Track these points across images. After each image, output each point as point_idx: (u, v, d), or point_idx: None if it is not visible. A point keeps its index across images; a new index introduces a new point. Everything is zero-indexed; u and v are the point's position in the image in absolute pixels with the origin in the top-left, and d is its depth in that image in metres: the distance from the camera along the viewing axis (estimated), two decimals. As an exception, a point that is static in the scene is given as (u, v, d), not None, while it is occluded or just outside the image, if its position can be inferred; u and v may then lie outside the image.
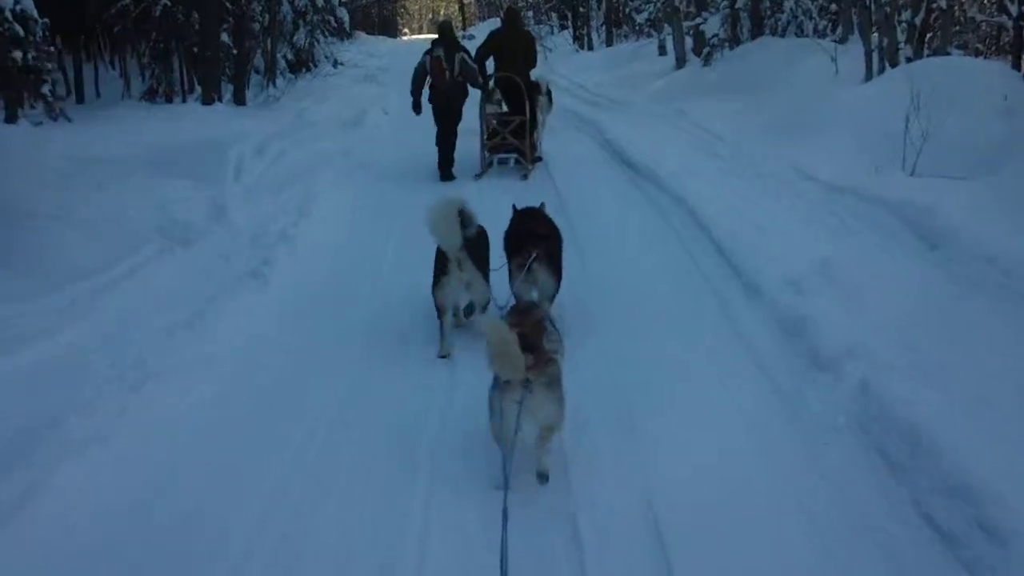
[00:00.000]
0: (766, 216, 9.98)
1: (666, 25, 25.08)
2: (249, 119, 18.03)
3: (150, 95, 20.68)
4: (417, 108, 14.16)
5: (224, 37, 21.29)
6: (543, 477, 5.14)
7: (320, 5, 30.85)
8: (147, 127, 15.75)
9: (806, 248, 8.64)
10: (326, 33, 32.35)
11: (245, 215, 10.71)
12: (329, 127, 18.17)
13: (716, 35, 21.34)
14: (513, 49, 14.46)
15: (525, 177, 14.00)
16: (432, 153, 14.04)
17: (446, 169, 13.98)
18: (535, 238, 7.45)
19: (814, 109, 14.56)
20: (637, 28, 35.82)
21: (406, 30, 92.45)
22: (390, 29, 77.14)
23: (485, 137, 14.40)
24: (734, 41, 21.80)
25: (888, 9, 16.09)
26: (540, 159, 14.83)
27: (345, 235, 10.87)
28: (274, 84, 25.11)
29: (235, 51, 21.96)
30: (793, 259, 8.29)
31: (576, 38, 40.38)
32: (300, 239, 9.89)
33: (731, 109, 16.92)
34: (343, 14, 36.11)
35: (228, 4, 21.44)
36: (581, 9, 39.42)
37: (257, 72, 25.69)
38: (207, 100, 19.45)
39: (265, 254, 9.20)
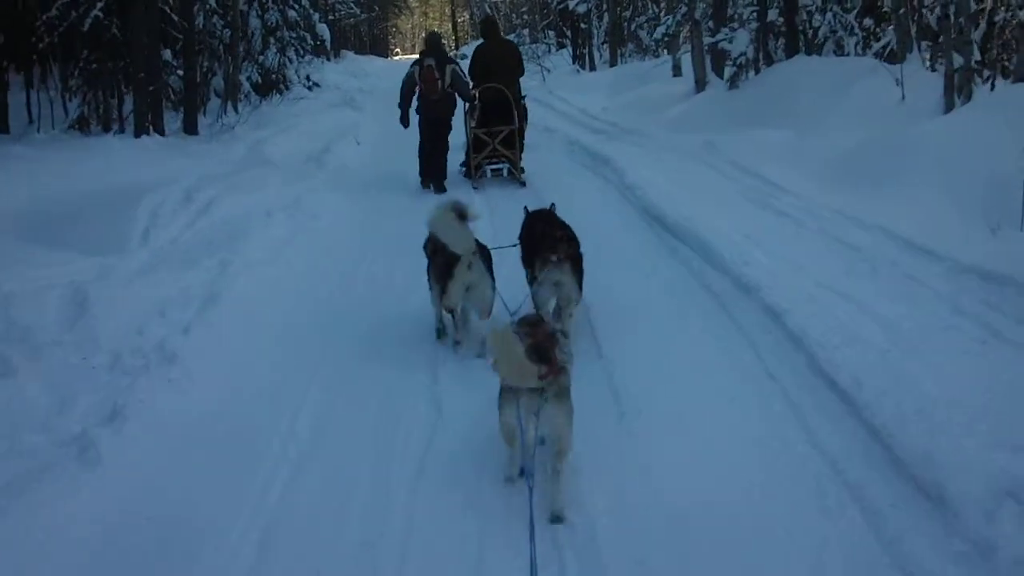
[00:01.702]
0: (885, 324, 6.73)
1: (682, 42, 21.93)
2: (187, 156, 14.98)
3: (81, 125, 17.49)
4: (405, 121, 14.14)
5: (168, 56, 18.16)
6: (557, 518, 4.90)
7: (294, 20, 27.80)
8: (47, 169, 12.55)
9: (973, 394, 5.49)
10: (301, 52, 29.17)
11: (119, 312, 7.31)
12: (285, 165, 15.08)
13: (743, 54, 18.18)
14: (497, 60, 14.49)
15: (523, 184, 14.20)
16: (408, 203, 12.49)
17: (438, 181, 13.96)
18: (555, 240, 7.32)
19: (886, 147, 11.67)
20: (645, 47, 32.85)
21: (397, 50, 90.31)
22: (381, 48, 74.21)
23: (472, 150, 14.41)
24: (765, 60, 18.65)
25: (962, 21, 13.08)
26: (523, 170, 14.60)
27: (264, 344, 7.57)
28: (235, 110, 21.99)
29: (181, 72, 18.81)
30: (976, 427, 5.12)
31: (577, 57, 37.26)
32: (186, 358, 6.61)
33: (775, 144, 13.91)
34: (324, 31, 33.07)
35: (173, 16, 18.32)
36: (583, 25, 36.21)
37: (218, 95, 22.59)
38: (139, 131, 16.24)
39: (117, 398, 5.89)
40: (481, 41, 15.53)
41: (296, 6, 28.14)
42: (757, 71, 18.55)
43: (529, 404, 4.82)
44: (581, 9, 34.06)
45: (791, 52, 18.15)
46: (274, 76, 26.16)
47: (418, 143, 14.13)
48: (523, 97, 15.38)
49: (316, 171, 15.10)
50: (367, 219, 12.17)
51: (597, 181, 14.14)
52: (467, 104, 14.35)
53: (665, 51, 29.69)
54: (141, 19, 16.23)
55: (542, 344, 4.94)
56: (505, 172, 14.75)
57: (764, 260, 8.53)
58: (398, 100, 14.02)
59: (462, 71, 14.05)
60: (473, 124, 14.42)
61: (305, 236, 10.94)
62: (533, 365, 4.74)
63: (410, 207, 11.54)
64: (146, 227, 10.24)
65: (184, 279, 8.39)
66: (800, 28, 18.51)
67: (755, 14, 18.98)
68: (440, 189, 13.74)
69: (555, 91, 28.51)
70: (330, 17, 53.19)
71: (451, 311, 7.33)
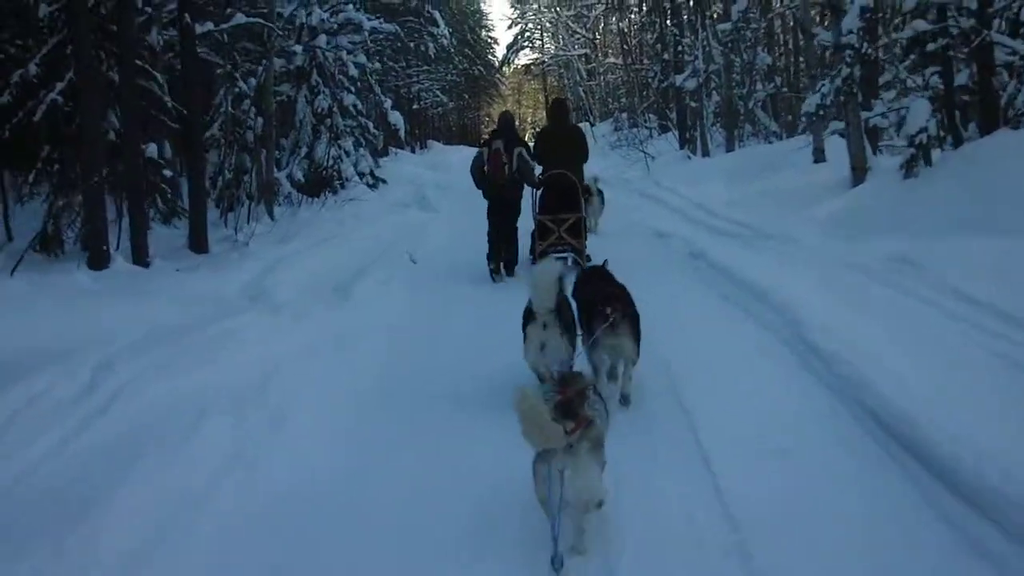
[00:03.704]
0: None
1: (826, 119, 17.18)
2: (146, 295, 10.61)
3: (45, 246, 13.27)
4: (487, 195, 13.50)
5: (153, 151, 13.96)
6: (579, 552, 4.91)
7: (352, 108, 23.63)
8: None
9: None
10: (361, 143, 24.96)
11: None
12: (289, 305, 10.64)
13: (923, 130, 13.33)
14: (562, 144, 13.89)
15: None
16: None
17: (509, 267, 13.54)
18: (610, 298, 7.28)
19: None
20: (764, 127, 28.16)
21: (486, 136, 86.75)
22: (472, 138, 70.66)
23: (537, 236, 13.88)
24: (953, 140, 13.84)
25: None
26: (589, 258, 13.31)
27: None
28: (270, 215, 17.75)
29: (176, 170, 14.65)
30: None
31: (686, 141, 32.57)
32: None
33: (997, 258, 9.31)
34: (397, 119, 28.97)
35: (164, 98, 14.14)
36: (692, 104, 31.50)
37: (250, 198, 18.41)
38: (95, 261, 11.90)
39: None
40: (546, 123, 15.17)
41: (352, 89, 23.93)
42: (928, 157, 13.69)
43: (557, 462, 4.72)
44: (690, 85, 29.43)
45: (988, 126, 13.35)
46: (325, 172, 21.89)
47: (487, 230, 13.44)
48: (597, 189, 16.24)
49: (329, 315, 10.62)
50: (379, 444, 6.91)
51: (747, 326, 9.44)
52: (533, 191, 13.93)
53: (801, 130, 25.10)
54: (94, 95, 11.91)
55: (569, 400, 4.96)
56: (570, 261, 13.67)
57: None
58: (474, 182, 13.45)
59: (529, 151, 13.41)
60: (537, 210, 13.93)
61: (246, 489, 5.98)
62: (558, 425, 4.66)
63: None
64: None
65: None
66: (998, 92, 13.71)
67: (936, 77, 14.17)
68: (511, 274, 13.41)
69: (662, 181, 24.01)
70: (414, 106, 49.86)
71: (536, 371, 7.36)
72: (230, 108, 18.40)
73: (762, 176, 19.41)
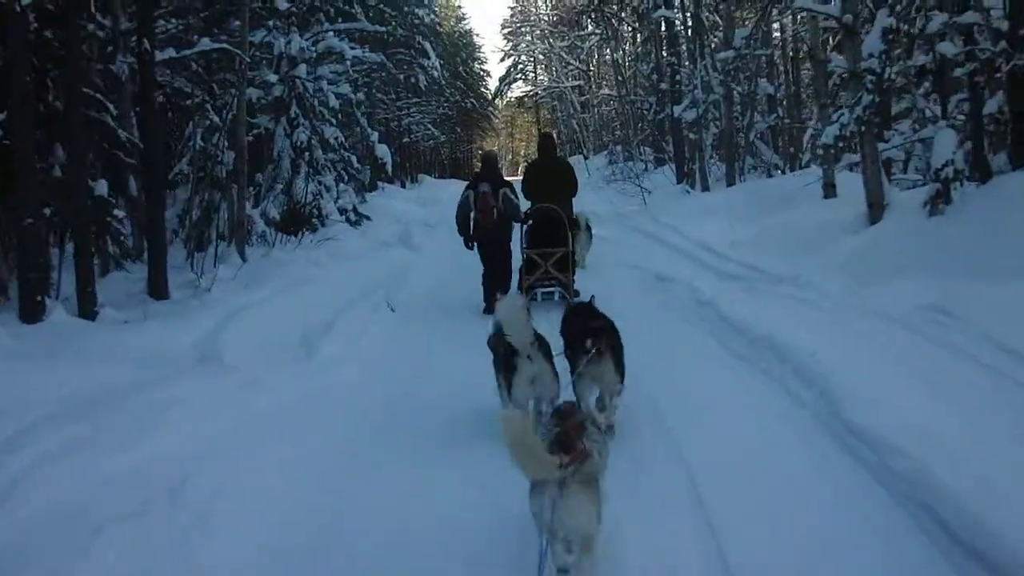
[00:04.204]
0: None
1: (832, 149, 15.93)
2: (77, 357, 9.19)
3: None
4: (469, 245, 13.50)
5: (103, 188, 12.69)
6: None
7: (333, 141, 22.43)
8: None
9: None
10: (345, 178, 23.69)
11: None
12: (241, 369, 9.35)
13: (950, 163, 12.09)
14: (550, 178, 13.98)
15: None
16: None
17: None
18: (594, 331, 7.31)
19: None
20: (763, 161, 26.96)
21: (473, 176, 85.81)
22: (464, 172, 69.55)
23: (524, 271, 13.73)
24: (981, 174, 12.60)
25: None
26: (578, 293, 13.21)
27: None
28: (241, 256, 16.49)
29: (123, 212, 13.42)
30: None
31: (685, 175, 31.30)
32: None
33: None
34: (384, 152, 27.80)
35: (118, 131, 12.92)
36: (691, 135, 30.19)
37: (222, 239, 17.16)
38: (27, 313, 10.57)
39: None
40: (534, 159, 15.32)
41: (333, 121, 22.70)
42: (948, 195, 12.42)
43: (553, 492, 4.56)
44: (689, 116, 28.20)
45: (1020, 158, 12.12)
46: (303, 209, 20.62)
47: (482, 273, 13.52)
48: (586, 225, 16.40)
49: (285, 381, 9.17)
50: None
51: (772, 398, 8.01)
52: (521, 225, 13.89)
53: (805, 164, 23.95)
54: (27, 126, 10.62)
55: (567, 433, 4.92)
56: (556, 296, 13.90)
57: None
58: (457, 228, 13.39)
59: (515, 192, 13.42)
60: (524, 245, 13.96)
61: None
62: (551, 456, 4.60)
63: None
64: None
65: None
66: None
67: (960, 105, 12.98)
68: None
69: (660, 217, 22.79)
70: (404, 139, 48.83)
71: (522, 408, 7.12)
72: (199, 141, 17.14)
73: (768, 213, 18.14)
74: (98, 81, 14.00)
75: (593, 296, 8.37)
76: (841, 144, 13.28)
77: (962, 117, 12.97)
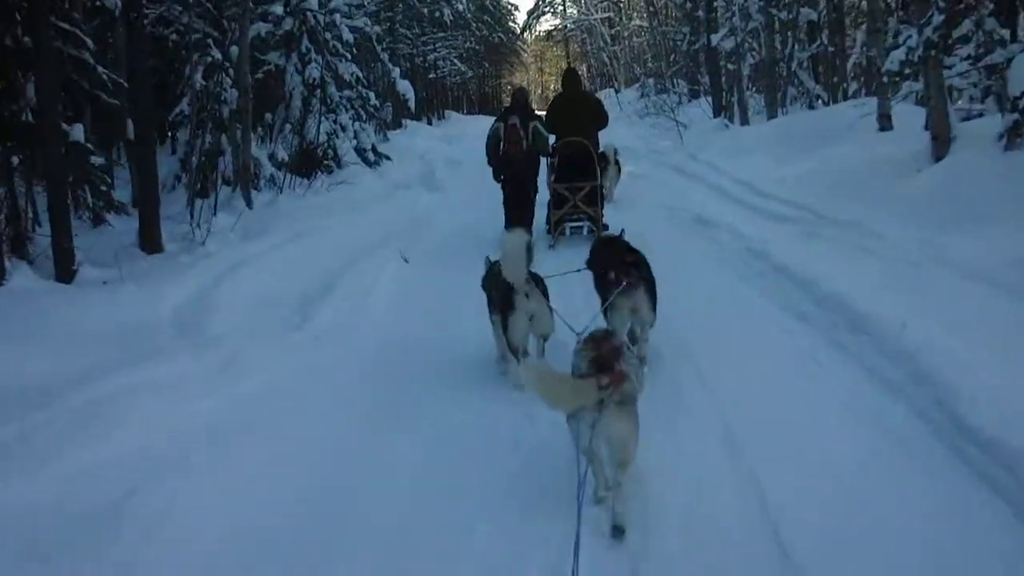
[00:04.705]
0: None
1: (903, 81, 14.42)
2: (40, 330, 7.95)
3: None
4: (498, 176, 13.45)
5: (79, 133, 11.39)
6: (619, 531, 4.66)
7: (351, 77, 21.07)
8: None
9: None
10: (363, 116, 22.31)
11: None
12: (222, 344, 8.04)
13: (1030, 90, 10.63)
14: (576, 112, 13.61)
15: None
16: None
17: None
18: (627, 264, 7.18)
19: None
20: (806, 92, 25.36)
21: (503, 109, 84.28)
22: (493, 108, 67.89)
23: (553, 206, 13.62)
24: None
25: None
26: (607, 227, 12.86)
27: None
28: (248, 202, 15.26)
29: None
30: None
31: (722, 108, 29.70)
32: None
33: None
34: (406, 88, 26.47)
35: (92, 63, 11.64)
36: (730, 66, 28.50)
37: (227, 183, 15.94)
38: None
39: None
40: (559, 92, 14.79)
41: (348, 56, 21.28)
42: None
43: (591, 417, 4.59)
44: (728, 45, 26.58)
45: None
46: (317, 150, 19.30)
47: (502, 199, 13.50)
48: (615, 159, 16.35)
49: (272, 360, 7.69)
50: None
51: (856, 381, 6.53)
52: (548, 159, 13.79)
53: (853, 93, 22.38)
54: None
55: (605, 355, 4.88)
56: (585, 231, 13.85)
57: None
58: (487, 158, 13.38)
59: (543, 125, 13.30)
60: (552, 179, 13.70)
61: None
62: (585, 382, 4.66)
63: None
64: None
65: None
66: None
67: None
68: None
69: (699, 154, 21.36)
70: (430, 76, 47.43)
71: (516, 349, 7.04)
72: (200, 80, 15.85)
73: (816, 148, 16.64)
74: (76, 15, 12.66)
75: (623, 229, 8.21)
76: (908, 70, 11.75)
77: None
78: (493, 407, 6.56)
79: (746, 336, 7.82)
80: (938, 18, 10.95)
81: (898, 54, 11.45)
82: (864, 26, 24.73)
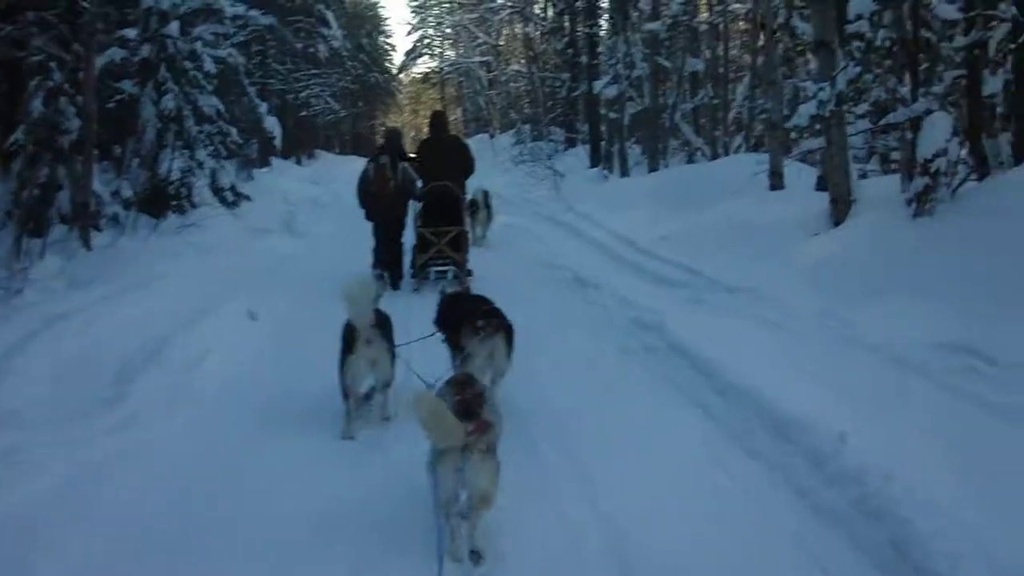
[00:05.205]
0: None
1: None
2: None
3: None
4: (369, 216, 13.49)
5: None
6: (476, 555, 4.89)
7: (213, 111, 19.70)
8: None
9: None
10: (223, 153, 20.84)
11: None
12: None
13: (941, 154, 9.79)
14: (443, 156, 13.69)
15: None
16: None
17: (394, 280, 12.90)
18: (486, 312, 7.22)
19: None
20: (687, 144, 24.70)
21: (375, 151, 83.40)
22: (365, 148, 66.71)
23: (418, 250, 13.45)
24: (977, 166, 10.41)
25: None
26: (471, 272, 13.24)
27: None
28: (86, 244, 13.78)
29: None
30: None
31: (603, 159, 28.78)
32: None
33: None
34: (273, 125, 25.17)
35: None
36: (612, 114, 27.60)
37: (65, 222, 14.45)
38: None
39: None
40: (426, 136, 14.91)
41: (209, 87, 19.85)
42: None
43: (456, 462, 4.69)
44: (611, 92, 25.71)
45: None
46: (170, 187, 17.78)
47: (372, 247, 13.52)
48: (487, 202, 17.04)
49: (62, 465, 6.06)
50: None
51: (797, 525, 5.11)
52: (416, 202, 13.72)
53: (744, 146, 21.75)
54: None
55: (469, 402, 4.99)
56: (450, 275, 13.71)
57: None
58: (358, 198, 13.53)
59: (411, 168, 13.56)
60: (418, 224, 13.59)
61: None
62: (461, 424, 4.69)
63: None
64: None
65: None
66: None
67: (961, 83, 10.76)
68: (395, 287, 12.71)
69: (576, 206, 20.48)
70: (301, 113, 46.07)
71: (349, 393, 6.91)
72: (41, 106, 14.34)
73: (703, 205, 15.68)
74: None
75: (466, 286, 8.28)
76: (818, 127, 10.79)
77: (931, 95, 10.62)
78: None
79: (638, 434, 6.60)
80: (853, 70, 10.04)
81: (808, 108, 10.49)
82: (746, 79, 24.27)
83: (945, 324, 7.43)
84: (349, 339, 6.90)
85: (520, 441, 5.98)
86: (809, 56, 22.75)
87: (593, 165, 28.79)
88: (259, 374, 8.55)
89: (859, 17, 9.75)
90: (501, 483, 4.83)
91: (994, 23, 10.13)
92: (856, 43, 9.82)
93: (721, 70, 25.71)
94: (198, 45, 19.43)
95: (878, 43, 9.90)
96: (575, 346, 9.16)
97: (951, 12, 9.79)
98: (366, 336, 6.86)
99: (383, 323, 7.19)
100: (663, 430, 6.62)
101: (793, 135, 13.24)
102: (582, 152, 31.37)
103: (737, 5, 25.45)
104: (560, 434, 6.50)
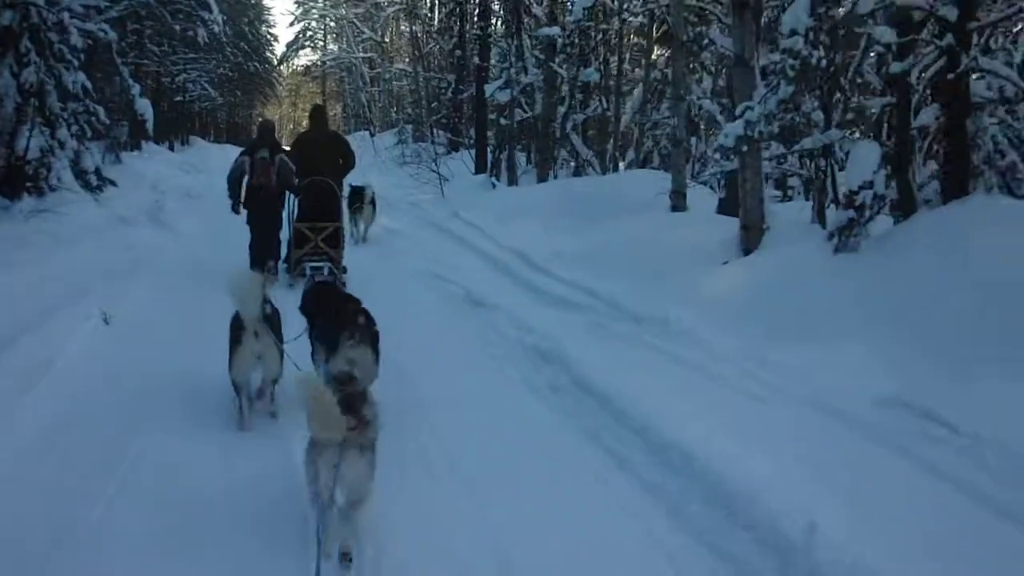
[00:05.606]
0: None
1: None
2: None
3: None
4: (237, 209, 13.04)
5: None
6: (346, 557, 4.76)
7: (79, 88, 18.35)
8: None
9: None
10: (89, 134, 19.47)
11: None
12: None
13: (867, 186, 9.17)
14: (322, 152, 13.65)
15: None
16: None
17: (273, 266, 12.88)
18: (353, 315, 6.95)
19: None
20: (580, 156, 24.02)
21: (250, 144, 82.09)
22: (242, 138, 65.14)
23: (293, 244, 13.31)
24: (903, 203, 9.83)
25: None
26: (346, 269, 13.23)
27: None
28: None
29: None
30: None
31: (491, 166, 27.81)
32: None
33: None
34: (145, 107, 23.82)
35: None
36: (503, 120, 26.65)
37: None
38: None
39: None
40: (305, 130, 15.10)
41: (76, 63, 18.48)
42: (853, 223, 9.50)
43: (333, 456, 4.65)
44: (503, 98, 24.79)
45: (954, 188, 9.37)
46: (28, 167, 16.40)
47: (248, 241, 12.93)
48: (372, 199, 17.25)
49: None
50: None
51: None
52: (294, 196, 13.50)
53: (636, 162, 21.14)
54: None
55: (352, 397, 4.92)
56: (326, 271, 12.91)
57: None
58: (228, 192, 12.97)
59: (288, 160, 13.10)
60: (295, 218, 13.48)
61: None
62: (343, 417, 4.62)
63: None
64: None
65: None
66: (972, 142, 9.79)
67: (885, 113, 10.17)
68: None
69: (463, 213, 19.57)
70: (177, 98, 44.49)
71: (238, 387, 6.77)
72: None
73: (600, 221, 14.91)
74: None
75: (334, 273, 7.91)
76: (745, 148, 10.05)
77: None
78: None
79: (553, 500, 5.63)
80: (786, 89, 9.31)
81: (735, 128, 9.72)
82: (636, 92, 23.67)
83: (876, 375, 6.84)
84: (236, 332, 6.77)
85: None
86: (703, 74, 22.41)
87: (479, 171, 27.87)
88: (104, 394, 7.40)
89: (794, 33, 9.01)
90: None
91: (930, 50, 9.54)
92: (790, 61, 9.05)
93: (612, 82, 25.02)
94: (65, 16, 18.04)
95: (814, 62, 9.11)
96: (475, 378, 8.18)
97: (889, 35, 9.10)
98: (253, 329, 6.73)
99: (272, 317, 7.10)
100: (588, 501, 5.61)
101: (718, 156, 12.49)
102: (467, 157, 30.42)
103: (632, 19, 24.79)
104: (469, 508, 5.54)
